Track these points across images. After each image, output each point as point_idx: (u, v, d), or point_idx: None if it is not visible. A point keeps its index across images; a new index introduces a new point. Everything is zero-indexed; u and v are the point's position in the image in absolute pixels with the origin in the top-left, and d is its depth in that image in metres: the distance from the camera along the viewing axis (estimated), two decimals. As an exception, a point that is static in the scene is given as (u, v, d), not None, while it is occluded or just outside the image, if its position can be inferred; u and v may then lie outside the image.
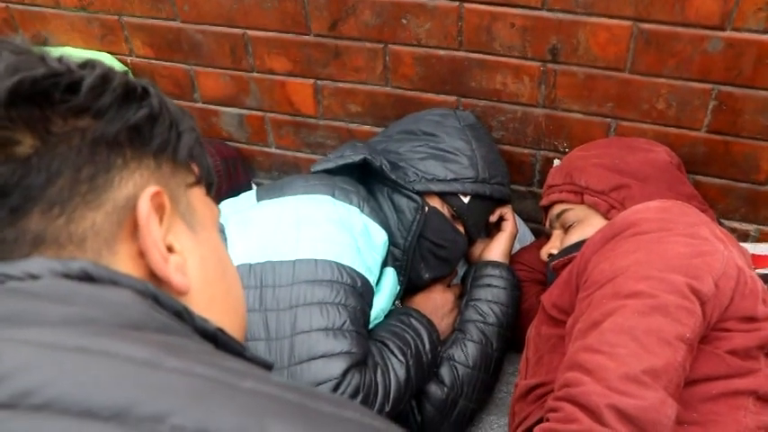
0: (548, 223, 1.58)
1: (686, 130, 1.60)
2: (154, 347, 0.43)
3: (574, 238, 1.46)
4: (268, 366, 0.63)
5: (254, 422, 0.38)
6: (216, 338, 0.56)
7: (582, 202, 1.47)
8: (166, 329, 0.50)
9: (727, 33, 1.43)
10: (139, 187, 0.57)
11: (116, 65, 2.00)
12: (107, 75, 0.57)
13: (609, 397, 0.93)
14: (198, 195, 0.66)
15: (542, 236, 1.84)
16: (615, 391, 0.93)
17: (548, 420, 1.01)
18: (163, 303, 0.53)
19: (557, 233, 1.54)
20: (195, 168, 0.66)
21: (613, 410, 0.91)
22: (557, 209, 1.53)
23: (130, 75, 0.60)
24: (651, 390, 0.94)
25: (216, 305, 0.64)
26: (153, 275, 0.57)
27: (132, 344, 0.43)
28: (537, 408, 1.24)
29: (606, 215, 1.43)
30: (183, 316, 0.54)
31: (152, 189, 0.57)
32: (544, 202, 1.58)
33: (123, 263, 0.56)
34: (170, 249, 0.59)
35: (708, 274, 1.06)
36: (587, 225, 1.45)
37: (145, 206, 0.56)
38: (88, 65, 0.57)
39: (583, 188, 1.46)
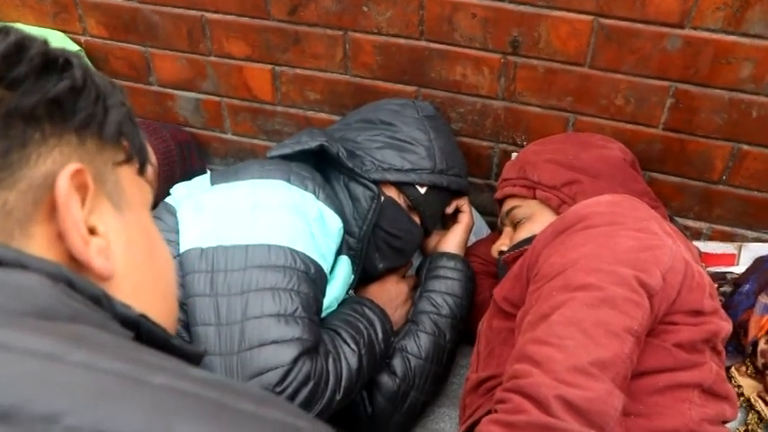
0: (499, 219, 1.59)
1: (643, 127, 1.62)
2: (58, 339, 0.40)
3: (523, 234, 1.47)
4: (198, 356, 0.60)
5: (159, 422, 0.36)
6: (138, 326, 0.53)
7: (534, 197, 1.48)
8: (78, 318, 0.46)
9: (686, 32, 1.44)
10: (59, 165, 0.54)
11: (69, 44, 1.94)
12: (22, 42, 0.53)
13: (557, 388, 0.93)
14: (127, 174, 0.63)
15: (497, 229, 1.84)
16: (563, 382, 0.93)
17: (496, 412, 1.00)
18: (78, 288, 0.49)
19: (506, 230, 1.55)
20: (126, 146, 0.63)
21: (561, 401, 0.91)
22: (507, 205, 1.53)
23: (50, 44, 0.57)
24: (599, 381, 0.94)
25: (143, 291, 0.61)
26: (73, 260, 0.54)
27: (33, 335, 0.40)
28: (486, 400, 1.24)
29: (557, 210, 1.43)
30: (102, 302, 0.51)
31: (73, 167, 0.54)
32: (498, 195, 1.58)
33: (38, 246, 0.52)
34: (92, 231, 0.56)
35: (656, 267, 1.07)
36: (536, 221, 1.46)
37: (64, 185, 0.52)
38: (2, 31, 0.53)
39: (535, 183, 1.47)
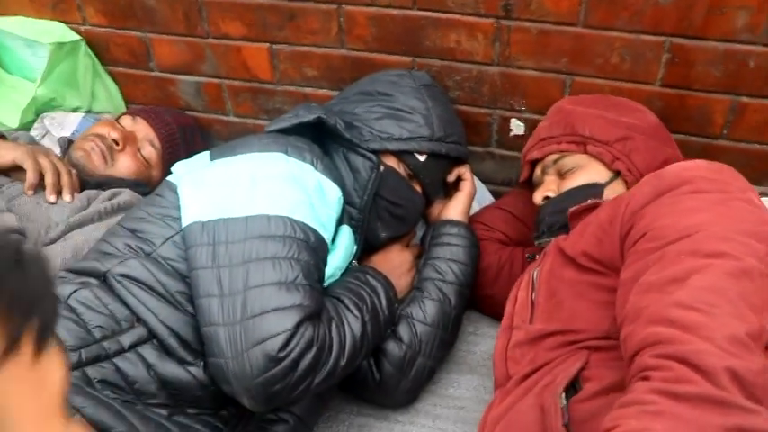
0: (539, 170, 1.55)
1: (641, 85, 1.61)
2: None
3: (577, 181, 1.46)
4: None
5: None
6: None
7: (584, 152, 1.47)
8: None
9: (678, -17, 1.43)
10: None
11: (69, 35, 1.96)
12: None
13: (725, 359, 0.84)
14: (14, 374, 0.44)
15: (501, 197, 1.84)
16: (727, 352, 0.86)
17: (646, 379, 0.89)
18: None
19: (550, 179, 1.52)
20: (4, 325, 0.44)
21: (729, 373, 0.84)
22: (551, 157, 1.52)
23: None
24: (756, 354, 0.88)
25: None
26: None
27: None
28: (567, 354, 1.18)
29: (611, 166, 1.44)
30: None
31: None
32: (537, 154, 1.55)
33: None
34: None
35: None
36: (590, 170, 1.46)
37: None
38: None
39: (586, 138, 1.46)
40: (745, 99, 1.56)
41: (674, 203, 1.10)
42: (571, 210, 1.38)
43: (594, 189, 1.42)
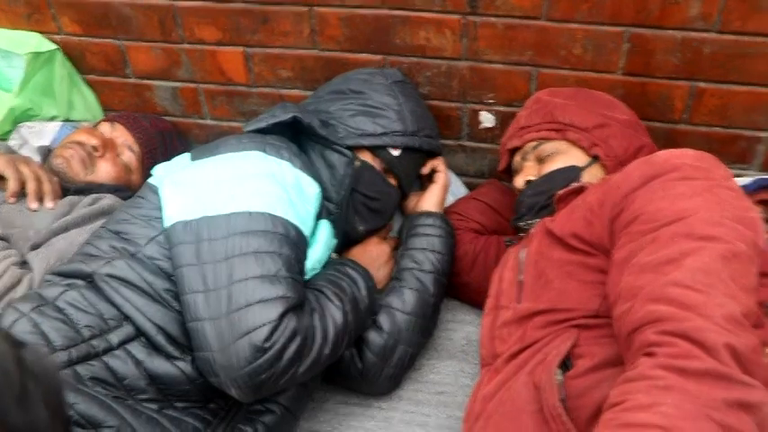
0: (519, 157, 1.61)
1: (603, 74, 1.67)
2: None
3: (555, 166, 1.52)
4: None
5: None
6: None
7: (563, 139, 1.53)
8: None
9: (634, -25, 1.49)
10: None
11: (45, 45, 1.99)
12: None
13: (724, 336, 0.89)
14: None
15: (475, 188, 1.89)
16: (725, 329, 0.90)
17: (651, 355, 0.93)
18: None
19: (529, 164, 1.58)
20: None
21: (729, 349, 0.88)
22: (531, 143, 1.58)
23: None
24: (750, 332, 0.93)
25: None
26: None
27: None
28: (557, 333, 1.21)
29: (589, 151, 1.50)
30: None
31: None
32: (517, 142, 1.60)
33: None
34: None
35: (760, 228, 1.08)
36: (569, 154, 1.52)
37: None
38: None
39: (566, 125, 1.52)
40: (702, 84, 1.63)
41: (666, 188, 1.14)
42: (559, 193, 1.43)
43: (573, 171, 1.48)
